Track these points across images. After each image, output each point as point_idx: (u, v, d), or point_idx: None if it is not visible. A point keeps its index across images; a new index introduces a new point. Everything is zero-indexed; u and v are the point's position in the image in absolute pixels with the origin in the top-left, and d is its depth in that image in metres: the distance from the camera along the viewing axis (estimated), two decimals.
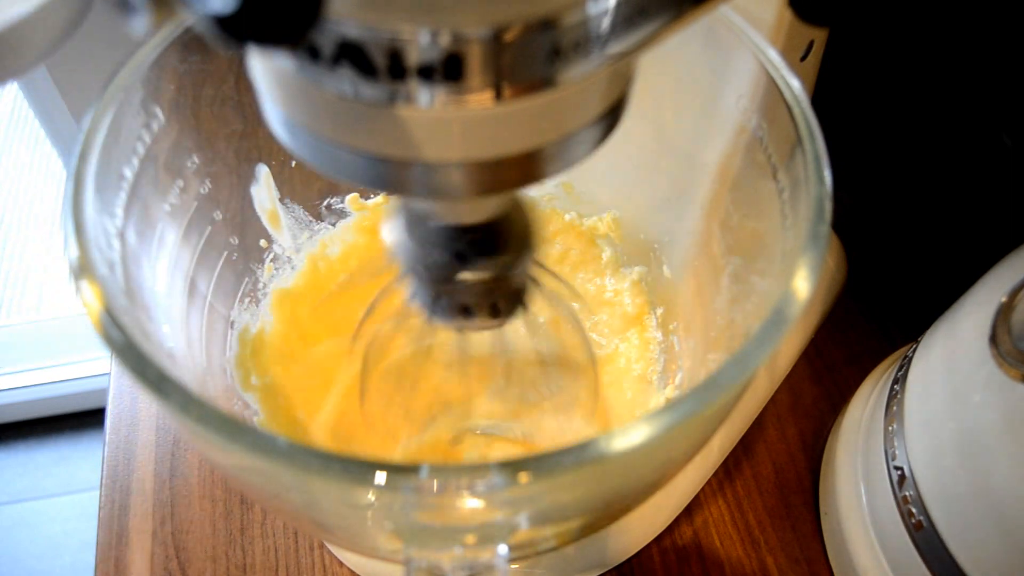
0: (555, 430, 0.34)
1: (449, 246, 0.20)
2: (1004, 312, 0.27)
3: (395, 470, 0.16)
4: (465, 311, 0.22)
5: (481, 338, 0.32)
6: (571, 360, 0.34)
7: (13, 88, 1.40)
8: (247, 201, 0.33)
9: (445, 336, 0.31)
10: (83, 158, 0.21)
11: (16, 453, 1.12)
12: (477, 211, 0.20)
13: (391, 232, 0.21)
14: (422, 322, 0.23)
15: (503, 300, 0.22)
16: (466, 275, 0.21)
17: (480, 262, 0.21)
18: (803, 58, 0.32)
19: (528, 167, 0.16)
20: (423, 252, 0.21)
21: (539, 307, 0.29)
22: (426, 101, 0.14)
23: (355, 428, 0.34)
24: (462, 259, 0.20)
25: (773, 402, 0.41)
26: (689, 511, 0.38)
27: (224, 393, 0.31)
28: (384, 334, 0.30)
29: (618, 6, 0.14)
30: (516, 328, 0.32)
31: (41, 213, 1.28)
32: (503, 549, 0.20)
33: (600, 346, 0.38)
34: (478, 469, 0.16)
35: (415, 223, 0.21)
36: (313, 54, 0.13)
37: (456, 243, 0.20)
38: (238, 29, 0.10)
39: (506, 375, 0.34)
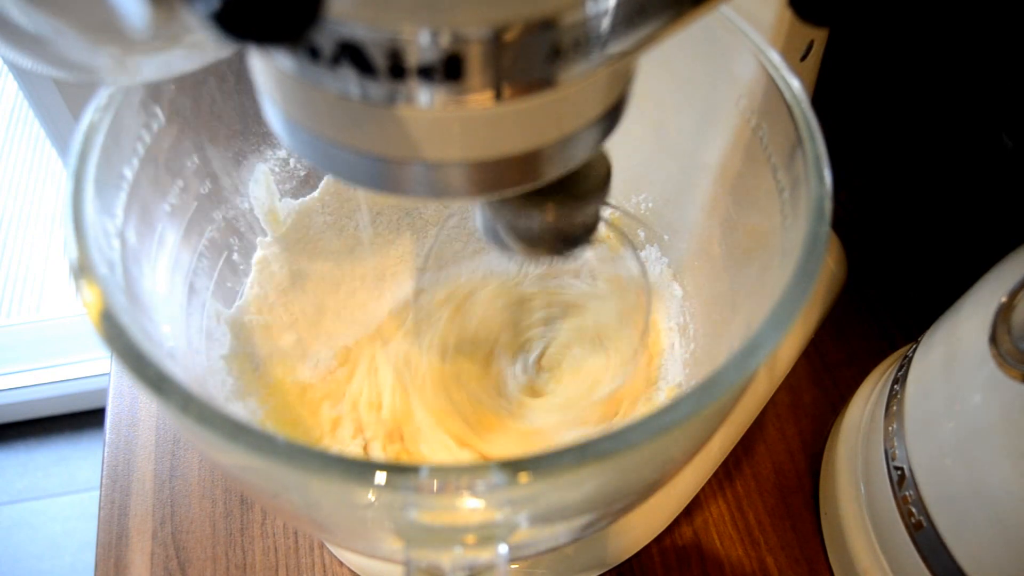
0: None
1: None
2: (1004, 312, 0.27)
3: (395, 470, 0.16)
4: (536, 242, 0.21)
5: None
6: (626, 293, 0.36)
7: (13, 88, 1.40)
8: (247, 201, 0.33)
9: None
10: (83, 158, 0.21)
11: (16, 453, 1.12)
12: None
13: None
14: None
15: (573, 234, 0.21)
16: (542, 207, 0.20)
17: (557, 196, 0.20)
18: (803, 58, 0.32)
19: (528, 167, 0.16)
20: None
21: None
22: (426, 101, 0.14)
23: None
24: (539, 192, 0.20)
25: (773, 402, 0.41)
26: (689, 511, 0.38)
27: (224, 393, 0.31)
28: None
29: (618, 6, 0.14)
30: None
31: (41, 213, 1.28)
32: (503, 549, 0.20)
33: (599, 346, 0.38)
34: (478, 469, 0.16)
35: None
36: (313, 54, 0.13)
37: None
38: (237, 28, 0.10)
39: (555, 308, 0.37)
